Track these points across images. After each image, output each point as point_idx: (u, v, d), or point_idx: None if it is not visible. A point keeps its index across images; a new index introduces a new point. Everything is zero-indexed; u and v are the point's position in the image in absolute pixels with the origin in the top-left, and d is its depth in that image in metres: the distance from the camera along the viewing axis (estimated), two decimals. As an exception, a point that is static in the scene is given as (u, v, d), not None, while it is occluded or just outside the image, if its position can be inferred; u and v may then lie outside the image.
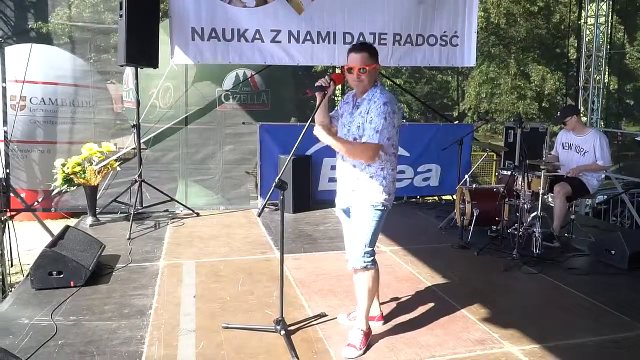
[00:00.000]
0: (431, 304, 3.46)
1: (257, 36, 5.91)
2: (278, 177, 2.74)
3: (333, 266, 4.19)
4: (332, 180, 6.32)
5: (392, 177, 2.84)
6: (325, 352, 2.82)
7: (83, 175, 5.16)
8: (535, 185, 4.66)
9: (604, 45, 8.37)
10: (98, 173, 5.24)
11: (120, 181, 5.91)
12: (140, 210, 5.55)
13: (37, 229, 6.04)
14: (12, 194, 5.69)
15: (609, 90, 9.28)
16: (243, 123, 6.66)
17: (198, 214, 5.84)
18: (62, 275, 3.54)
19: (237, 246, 4.72)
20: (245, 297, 3.54)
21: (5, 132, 5.95)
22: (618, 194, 8.15)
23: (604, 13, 8.33)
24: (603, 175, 5.68)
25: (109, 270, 3.95)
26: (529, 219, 4.61)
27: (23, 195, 6.22)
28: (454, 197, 6.17)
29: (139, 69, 5.59)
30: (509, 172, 4.98)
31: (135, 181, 5.47)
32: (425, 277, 3.99)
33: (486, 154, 7.99)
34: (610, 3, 8.29)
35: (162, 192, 5.69)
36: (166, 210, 5.88)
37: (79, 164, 5.15)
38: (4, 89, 5.92)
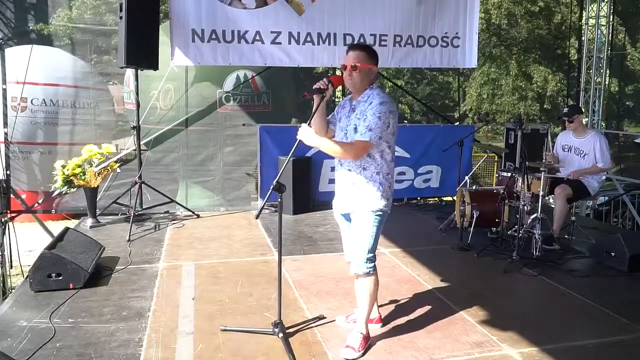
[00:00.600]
0: (430, 307, 3.45)
1: (258, 38, 5.91)
2: (276, 179, 2.74)
3: (332, 268, 4.19)
4: (332, 181, 6.22)
5: (388, 182, 2.83)
6: (323, 354, 2.82)
7: (83, 177, 5.16)
8: (535, 186, 4.65)
9: (605, 47, 8.36)
10: (98, 175, 5.25)
11: (120, 183, 5.92)
12: (140, 212, 5.56)
13: (38, 230, 6.05)
14: (12, 196, 5.70)
15: (610, 91, 9.25)
16: (243, 125, 6.67)
17: (198, 216, 5.84)
18: (61, 277, 3.55)
19: (236, 248, 4.72)
20: (244, 299, 3.54)
21: (6, 133, 5.96)
22: (619, 196, 8.13)
23: (605, 14, 8.31)
24: (604, 177, 5.66)
25: (108, 272, 3.95)
26: (529, 221, 4.61)
27: (24, 196, 6.23)
28: (455, 198, 6.16)
29: (139, 70, 5.60)
30: (509, 174, 4.97)
31: (136, 183, 5.48)
32: (425, 279, 3.98)
33: (486, 155, 7.99)
34: (611, 4, 8.27)
35: (162, 193, 5.70)
36: (166, 212, 5.89)
37: (79, 166, 5.16)
38: (4, 90, 5.93)
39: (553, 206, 5.12)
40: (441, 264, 4.31)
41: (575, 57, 9.63)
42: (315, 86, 2.79)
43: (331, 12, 6.07)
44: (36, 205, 6.10)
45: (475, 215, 4.88)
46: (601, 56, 8.32)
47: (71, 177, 5.15)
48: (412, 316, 3.30)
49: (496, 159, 10.64)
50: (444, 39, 6.52)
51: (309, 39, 6.07)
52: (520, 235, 4.43)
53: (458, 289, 3.80)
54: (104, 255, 4.19)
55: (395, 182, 3.17)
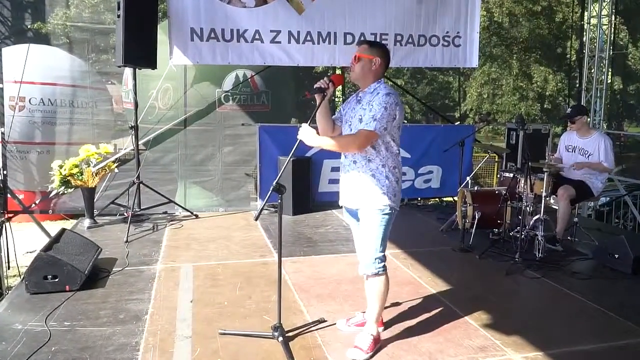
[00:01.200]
0: (432, 310, 3.39)
1: (257, 37, 5.85)
2: (276, 180, 2.69)
3: (332, 270, 4.14)
4: (333, 182, 6.28)
5: (395, 176, 2.77)
6: (324, 359, 2.76)
7: (80, 177, 5.11)
8: (538, 187, 4.60)
9: (607, 46, 8.31)
10: (95, 175, 5.19)
11: (118, 183, 5.87)
12: (138, 212, 5.50)
13: (38, 231, 5.99)
14: (9, 196, 5.64)
15: (612, 91, 9.22)
16: (242, 124, 6.62)
17: (197, 216, 5.79)
18: (57, 280, 3.49)
19: (235, 249, 4.66)
20: (243, 301, 3.48)
21: (2, 133, 5.90)
22: (621, 196, 8.08)
23: (607, 13, 8.26)
24: (606, 178, 5.61)
25: (106, 274, 3.89)
26: (531, 222, 4.55)
27: (21, 196, 6.17)
28: (455, 199, 6.11)
29: (137, 69, 5.54)
30: (511, 174, 4.92)
31: (134, 183, 5.42)
32: (426, 281, 3.93)
33: (488, 155, 7.94)
34: (613, 4, 8.22)
35: (160, 194, 5.64)
36: (165, 212, 5.83)
37: (76, 166, 5.10)
38: (1, 89, 5.87)
39: (555, 207, 5.07)
40: (443, 266, 4.25)
41: (576, 57, 9.57)
42: (316, 85, 2.76)
43: (331, 11, 6.02)
44: (33, 205, 6.04)
45: (477, 216, 4.83)
46: (603, 55, 8.27)
47: (68, 178, 5.10)
48: (414, 319, 3.25)
49: (497, 159, 10.60)
50: (445, 38, 6.47)
51: (309, 38, 6.02)
52: (522, 236, 4.38)
53: (460, 292, 3.74)
54: (102, 256, 4.13)
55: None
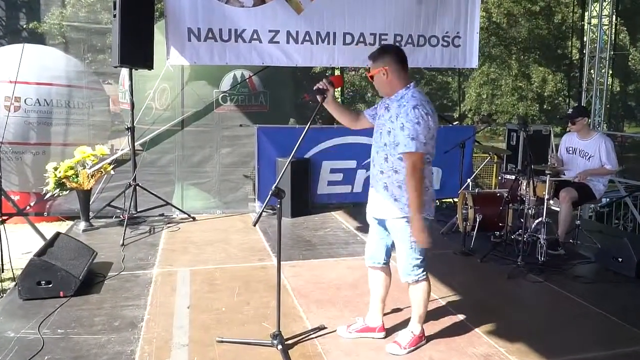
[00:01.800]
0: (434, 316, 3.32)
1: (255, 37, 5.77)
2: (275, 184, 2.64)
3: (332, 274, 4.07)
4: (332, 183, 6.21)
5: (425, 187, 2.69)
6: (324, 368, 2.70)
7: (75, 180, 5.02)
8: (540, 190, 4.53)
9: (607, 46, 8.26)
10: (91, 177, 5.11)
11: (115, 185, 5.78)
12: (134, 215, 5.42)
13: (34, 232, 5.91)
14: (4, 198, 5.55)
15: (611, 92, 9.19)
16: (240, 125, 6.55)
17: (194, 219, 5.71)
18: (51, 285, 3.41)
19: (233, 253, 4.59)
20: (241, 307, 3.41)
21: (-3, 134, 5.82)
22: (622, 197, 8.04)
23: (607, 14, 8.21)
24: (608, 180, 5.56)
25: (101, 279, 3.81)
26: (533, 225, 4.50)
27: (17, 198, 6.10)
28: (455, 200, 6.05)
29: (134, 70, 5.47)
30: (513, 176, 4.86)
31: (130, 185, 5.34)
32: (428, 286, 3.86)
33: (489, 157, 7.88)
34: (614, 4, 8.17)
35: (157, 196, 5.56)
36: (162, 215, 5.74)
37: (71, 168, 5.02)
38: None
39: (556, 209, 5.01)
40: (444, 270, 4.18)
41: (577, 57, 9.53)
42: (315, 87, 2.70)
43: (330, 10, 5.94)
44: (28, 207, 5.96)
45: (478, 219, 4.76)
46: (603, 56, 8.23)
47: (63, 180, 5.01)
48: (415, 326, 3.18)
49: (495, 160, 10.54)
50: (445, 38, 6.41)
51: (307, 38, 5.94)
52: (524, 239, 4.32)
53: (462, 297, 3.68)
54: (97, 260, 4.06)
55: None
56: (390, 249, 2.98)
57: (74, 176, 5.03)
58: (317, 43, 5.97)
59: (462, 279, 4.04)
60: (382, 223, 2.86)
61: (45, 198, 5.51)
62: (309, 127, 2.78)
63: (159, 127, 6.37)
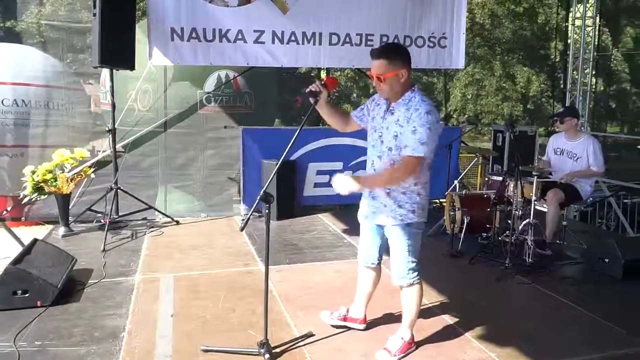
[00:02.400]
0: (422, 320, 3.26)
1: (240, 37, 5.68)
2: (263, 189, 2.57)
3: (320, 278, 4.00)
4: (318, 185, 6.14)
5: (425, 192, 2.68)
6: (312, 377, 2.63)
7: (54, 184, 4.87)
8: (527, 191, 4.52)
9: (591, 47, 8.33)
10: (70, 181, 4.96)
11: (95, 188, 5.62)
12: (116, 219, 5.28)
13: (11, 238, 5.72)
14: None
15: (595, 92, 9.28)
16: (225, 127, 6.43)
17: (178, 222, 5.58)
18: (27, 295, 3.28)
19: (218, 257, 4.48)
20: (227, 315, 3.32)
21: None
22: (606, 197, 8.12)
23: (591, 15, 8.29)
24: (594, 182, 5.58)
25: (80, 287, 3.68)
26: (520, 226, 4.48)
27: (-7, 202, 5.90)
28: (441, 201, 6.02)
29: (115, 70, 5.33)
30: (500, 178, 4.84)
31: (111, 188, 5.20)
32: (416, 290, 3.81)
33: (476, 159, 7.88)
34: (598, 5, 8.25)
35: (139, 199, 5.43)
36: (144, 219, 5.61)
37: (49, 171, 4.86)
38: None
39: (543, 209, 5.01)
40: (432, 272, 4.10)
41: (559, 59, 9.61)
42: (307, 90, 2.62)
43: (316, 10, 5.87)
44: (5, 212, 5.76)
45: (466, 221, 4.73)
46: (586, 57, 8.30)
47: (41, 184, 4.85)
48: (404, 331, 3.12)
49: (481, 161, 10.57)
50: (431, 39, 6.38)
51: (293, 38, 5.86)
52: (512, 241, 4.31)
53: (451, 300, 3.64)
54: (77, 267, 3.92)
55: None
56: (383, 249, 2.94)
57: (52, 180, 4.87)
58: (303, 43, 5.90)
59: (451, 282, 4.00)
60: (379, 227, 2.81)
61: (22, 203, 5.32)
62: (300, 131, 2.66)
63: (142, 129, 6.21)
